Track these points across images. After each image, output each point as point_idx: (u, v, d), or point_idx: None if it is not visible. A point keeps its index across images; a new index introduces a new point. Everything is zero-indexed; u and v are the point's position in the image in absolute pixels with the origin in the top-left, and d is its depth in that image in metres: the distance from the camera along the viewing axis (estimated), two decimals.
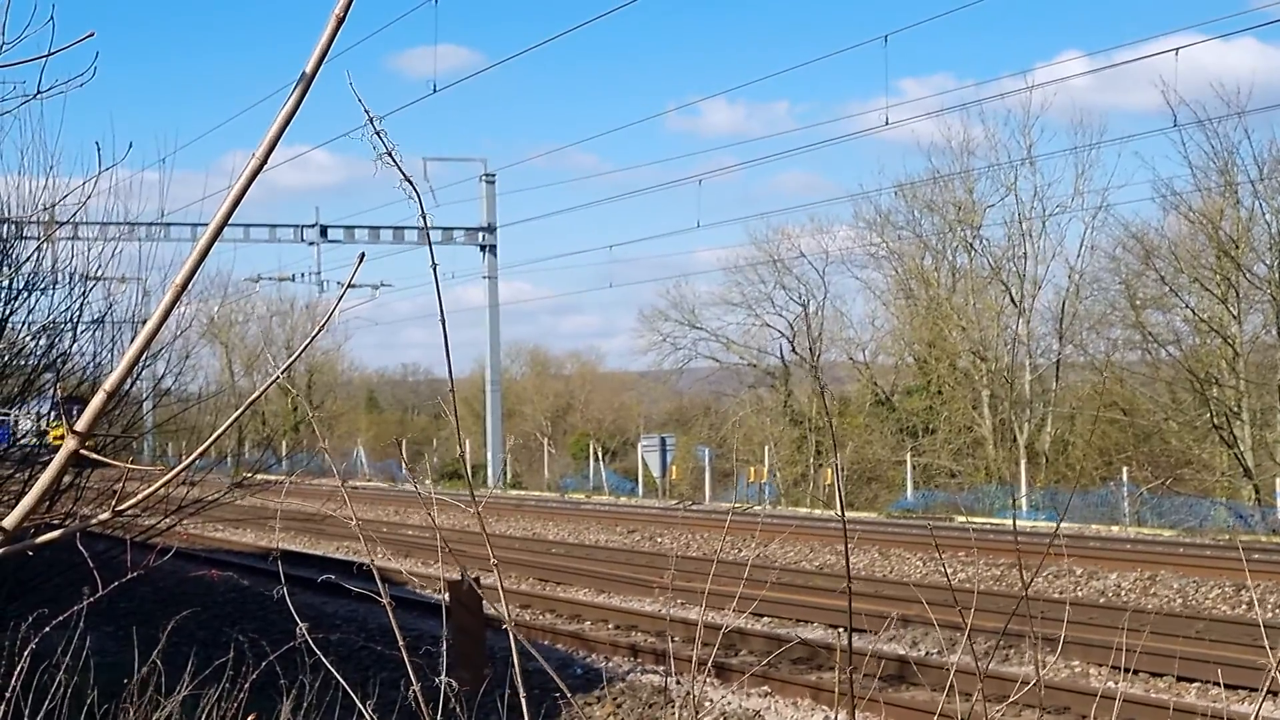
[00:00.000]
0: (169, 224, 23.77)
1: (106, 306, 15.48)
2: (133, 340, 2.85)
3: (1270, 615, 18.27)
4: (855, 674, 13.07)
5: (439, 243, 60.88)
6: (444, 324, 3.57)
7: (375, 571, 4.21)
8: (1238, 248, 43.54)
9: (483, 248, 62.23)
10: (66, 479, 12.91)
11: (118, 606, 14.79)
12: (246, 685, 6.70)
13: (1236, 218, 43.92)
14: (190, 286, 2.84)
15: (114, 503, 3.15)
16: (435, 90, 45.34)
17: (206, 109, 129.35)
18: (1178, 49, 34.61)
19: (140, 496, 3.41)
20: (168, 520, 14.42)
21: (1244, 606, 19.10)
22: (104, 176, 7.60)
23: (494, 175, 62.08)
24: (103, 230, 15.06)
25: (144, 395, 17.00)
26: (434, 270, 3.53)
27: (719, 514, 37.07)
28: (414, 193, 3.22)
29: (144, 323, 2.93)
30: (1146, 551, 24.94)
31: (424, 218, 3.33)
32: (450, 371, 3.69)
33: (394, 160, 3.09)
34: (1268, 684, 4.34)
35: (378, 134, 3.07)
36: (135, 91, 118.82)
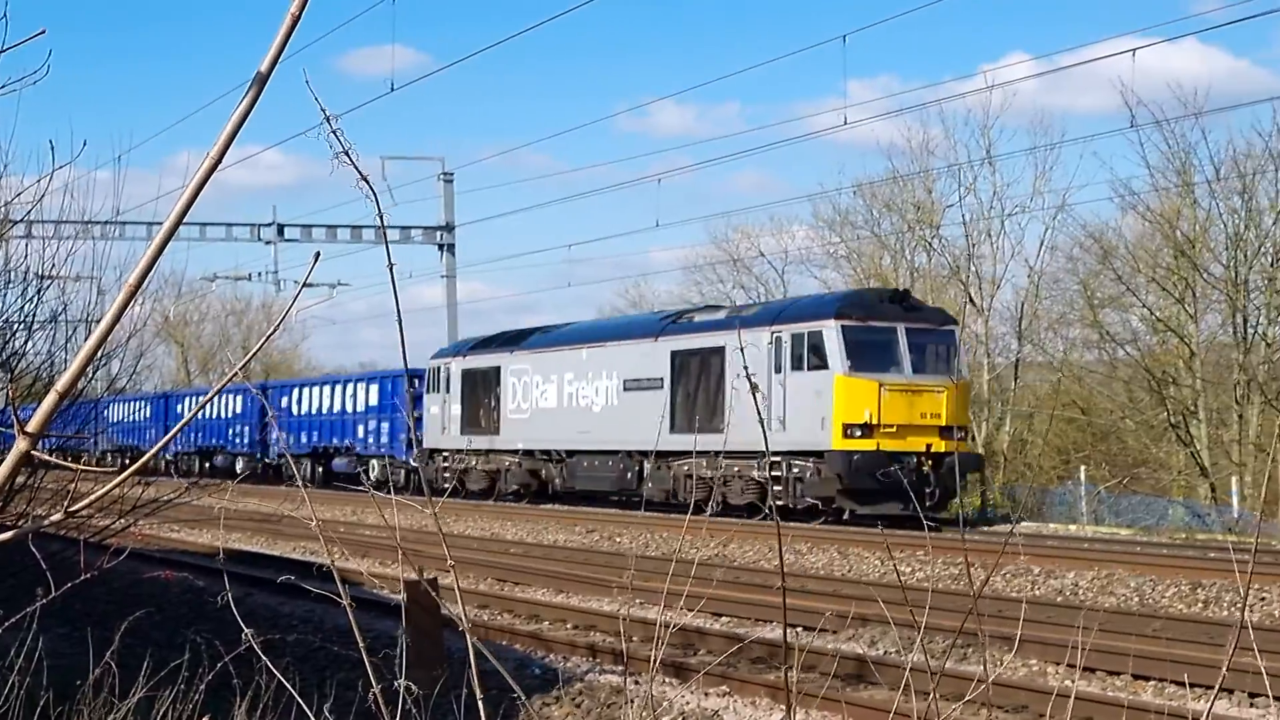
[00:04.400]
0: (124, 223, 23.61)
1: (61, 305, 15.39)
2: (86, 340, 2.83)
3: (1226, 613, 18.37)
4: (809, 673, 13.07)
5: (396, 242, 60.74)
6: (400, 323, 3.55)
7: (336, 575, 4.19)
8: (1194, 248, 43.80)
9: (441, 247, 62.10)
10: (20, 480, 12.82)
11: (72, 608, 14.67)
12: (202, 687, 6.67)
13: (1194, 218, 44.17)
14: (145, 286, 2.82)
15: (67, 503, 3.12)
16: (393, 89, 45.18)
17: (160, 108, 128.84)
18: (1134, 50, 34.77)
19: (94, 497, 3.39)
20: (122, 521, 14.33)
21: (1200, 605, 19.19)
22: (58, 175, 7.55)
23: (452, 174, 62.00)
24: (57, 229, 14.97)
25: (99, 395, 16.89)
26: (390, 270, 3.52)
27: (678, 513, 37.03)
28: (371, 192, 3.21)
29: (98, 322, 2.91)
30: (1104, 550, 25.05)
31: (380, 217, 3.31)
32: (405, 367, 3.68)
33: (350, 159, 3.08)
34: (1219, 681, 4.36)
35: (334, 133, 3.05)
36: (88, 91, 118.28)
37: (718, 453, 33.25)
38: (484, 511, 38.84)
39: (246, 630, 4.37)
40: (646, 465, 36.51)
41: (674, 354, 36.04)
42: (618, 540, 30.33)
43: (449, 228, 61.97)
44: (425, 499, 3.82)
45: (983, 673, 4.66)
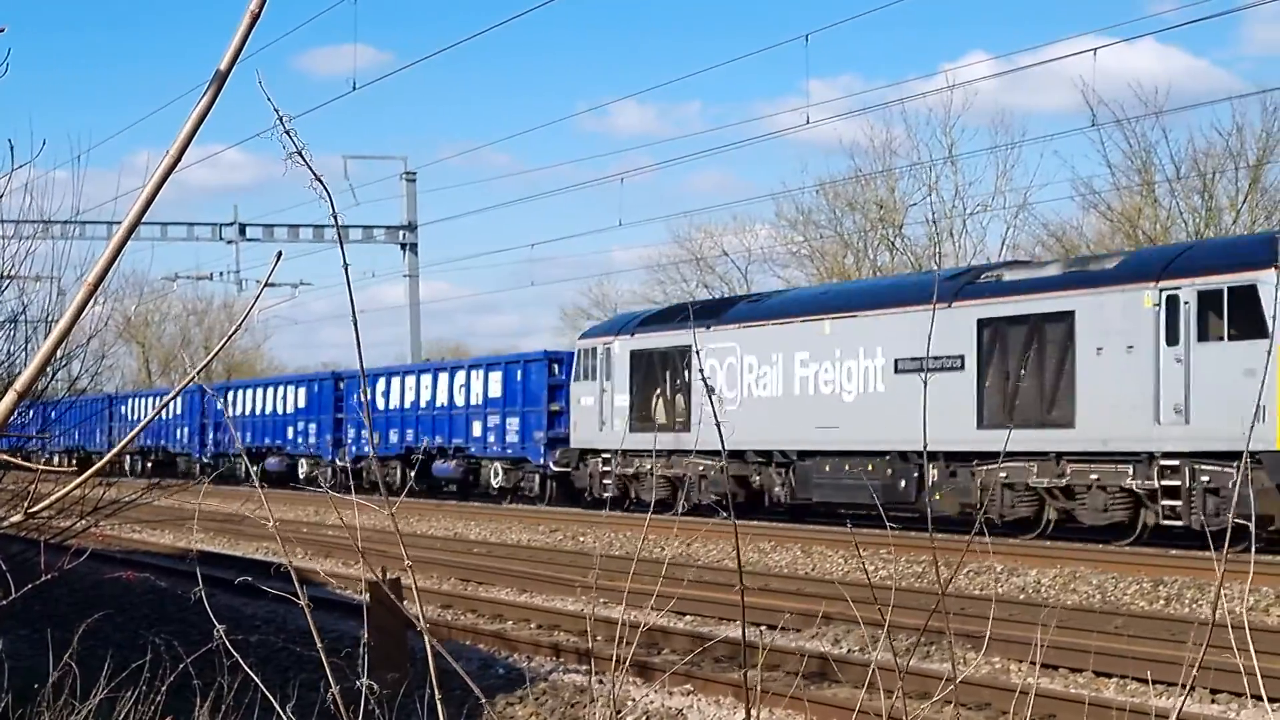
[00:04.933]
0: (84, 222, 23.46)
1: (21, 306, 15.31)
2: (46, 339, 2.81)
3: (1188, 610, 18.46)
4: (773, 671, 13.09)
5: (359, 241, 60.63)
6: (355, 324, 3.54)
7: (294, 574, 4.17)
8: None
9: (403, 246, 62.02)
10: None
11: (32, 609, 14.58)
12: (163, 688, 6.63)
13: (1155, 217, 44.35)
14: (104, 285, 2.80)
15: (27, 504, 3.10)
16: (355, 88, 45.15)
17: (119, 108, 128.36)
18: (1095, 49, 34.89)
19: (54, 498, 3.36)
20: (83, 522, 14.26)
21: (1162, 602, 19.28)
22: (17, 175, 7.51)
23: (414, 173, 61.91)
24: (17, 228, 14.89)
25: (59, 396, 16.81)
26: (345, 270, 3.51)
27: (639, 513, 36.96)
28: (325, 192, 3.20)
29: (58, 322, 2.89)
30: (1067, 547, 25.13)
31: (335, 217, 3.30)
32: (362, 370, 3.66)
33: (304, 159, 3.06)
34: (1191, 679, 4.37)
35: (287, 133, 3.03)
36: (47, 90, 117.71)
37: (1059, 454, 26.05)
38: (447, 511, 38.75)
39: (219, 626, 4.35)
40: (932, 471, 28.35)
41: (982, 323, 27.40)
42: (581, 540, 30.31)
43: (411, 227, 61.90)
44: (383, 499, 3.80)
45: (949, 671, 4.66)
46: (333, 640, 4.32)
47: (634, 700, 12.87)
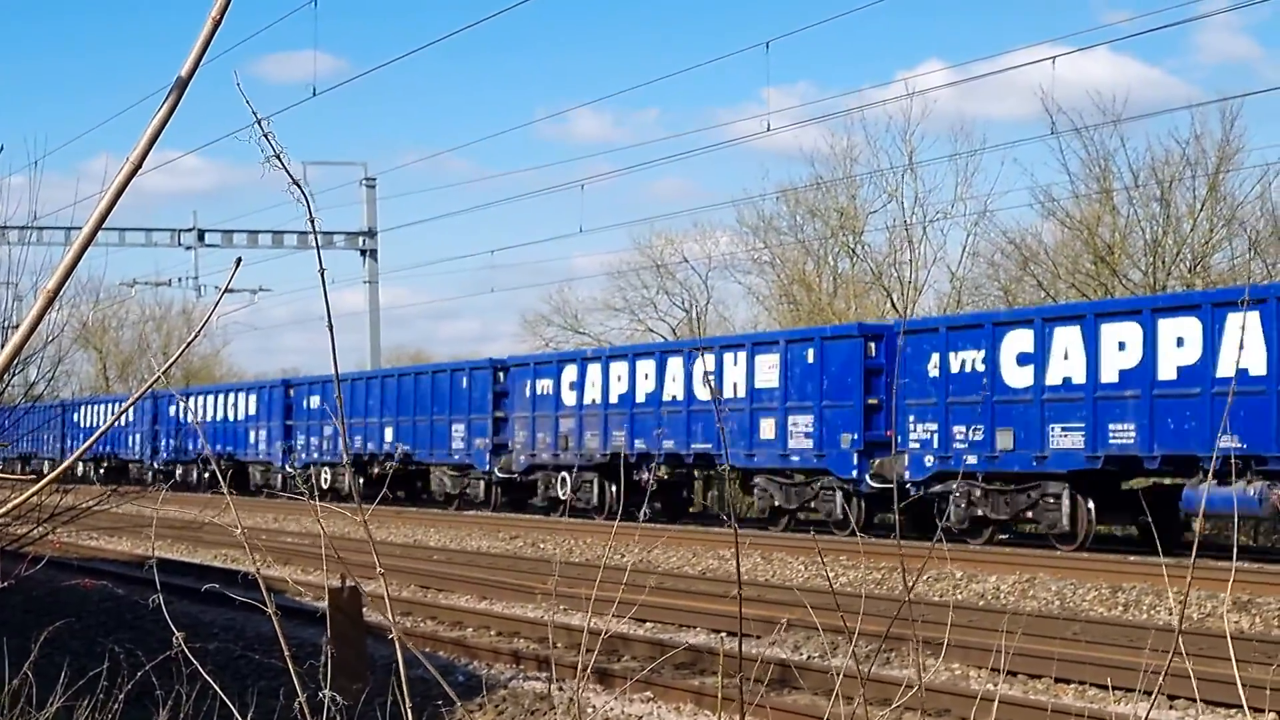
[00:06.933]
0: (41, 228, 23.33)
1: None
2: (3, 347, 2.79)
3: (1145, 616, 18.53)
4: (732, 678, 13.09)
5: (320, 247, 60.35)
6: (331, 329, 3.52)
7: (261, 582, 4.15)
8: (1114, 254, 44.14)
9: (363, 252, 61.84)
10: None
11: None
12: (121, 696, 6.59)
13: (1113, 224, 44.52)
14: (62, 293, 2.78)
15: None
16: (315, 94, 44.96)
17: (76, 113, 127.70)
18: (1054, 58, 34.98)
19: (11, 505, 3.34)
20: (40, 529, 14.19)
21: (1120, 608, 19.34)
22: None
23: (374, 179, 61.75)
24: None
25: (16, 401, 16.71)
26: (322, 275, 3.49)
27: (601, 522, 36.95)
28: (303, 196, 3.18)
29: (16, 328, 2.86)
30: (1026, 554, 25.22)
31: (313, 221, 3.28)
32: (336, 374, 3.64)
33: (283, 163, 3.04)
34: (1158, 687, 4.39)
35: (266, 136, 3.02)
36: (2, 95, 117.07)
37: None
38: (407, 518, 38.66)
39: (177, 634, 4.32)
40: None
41: None
42: (541, 546, 30.26)
43: (371, 233, 61.75)
44: (354, 505, 3.79)
45: (910, 676, 4.67)
46: (292, 647, 4.30)
47: (594, 707, 12.86)
